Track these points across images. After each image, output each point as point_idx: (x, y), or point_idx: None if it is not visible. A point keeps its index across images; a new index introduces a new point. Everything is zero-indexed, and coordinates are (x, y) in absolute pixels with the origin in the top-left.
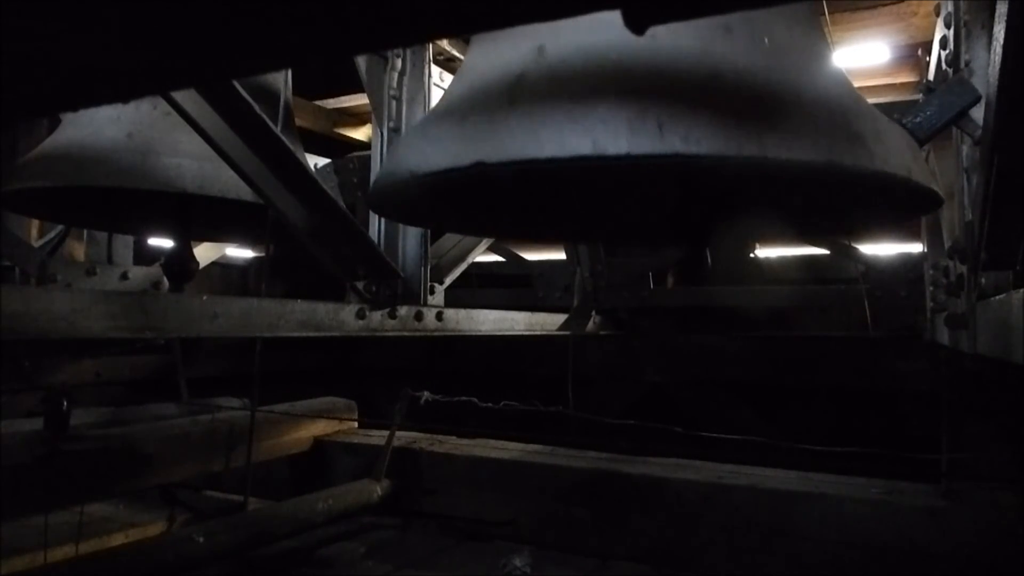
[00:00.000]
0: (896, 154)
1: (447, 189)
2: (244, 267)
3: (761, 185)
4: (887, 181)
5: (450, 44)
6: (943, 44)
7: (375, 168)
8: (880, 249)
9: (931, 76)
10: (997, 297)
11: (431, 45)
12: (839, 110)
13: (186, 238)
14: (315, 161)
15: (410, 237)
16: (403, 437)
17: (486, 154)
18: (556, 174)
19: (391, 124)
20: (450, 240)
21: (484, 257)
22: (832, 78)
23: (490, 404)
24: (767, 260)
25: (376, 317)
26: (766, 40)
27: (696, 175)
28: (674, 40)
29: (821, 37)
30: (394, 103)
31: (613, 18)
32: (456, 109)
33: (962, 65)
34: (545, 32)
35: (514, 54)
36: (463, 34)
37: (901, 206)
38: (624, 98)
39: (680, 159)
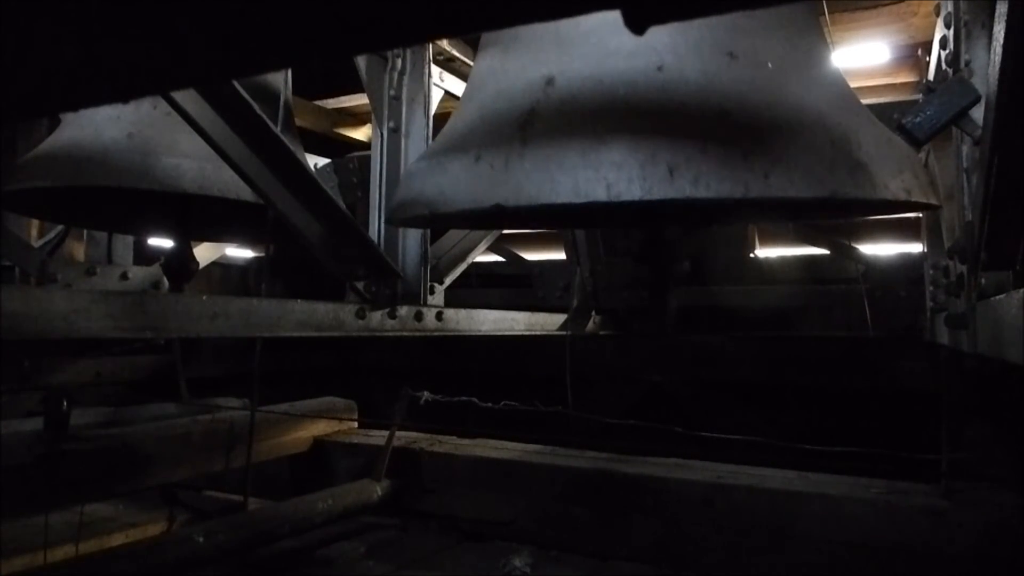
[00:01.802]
0: (896, 176)
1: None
2: (244, 267)
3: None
4: (887, 204)
5: (450, 44)
6: (943, 44)
7: (375, 168)
8: (880, 249)
9: (931, 76)
10: (997, 297)
11: (431, 45)
12: (841, 135)
13: (186, 238)
14: (315, 161)
15: (410, 237)
16: (403, 437)
17: (503, 198)
18: None
19: (391, 124)
20: (450, 240)
21: (484, 257)
22: (834, 94)
23: (490, 404)
24: (767, 260)
25: (376, 317)
26: (769, 64)
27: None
28: (679, 69)
29: (822, 46)
30: (394, 103)
31: (619, 47)
32: (469, 141)
33: (962, 65)
34: (554, 62)
35: (523, 84)
36: (463, 34)
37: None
38: (634, 138)
39: (690, 203)
